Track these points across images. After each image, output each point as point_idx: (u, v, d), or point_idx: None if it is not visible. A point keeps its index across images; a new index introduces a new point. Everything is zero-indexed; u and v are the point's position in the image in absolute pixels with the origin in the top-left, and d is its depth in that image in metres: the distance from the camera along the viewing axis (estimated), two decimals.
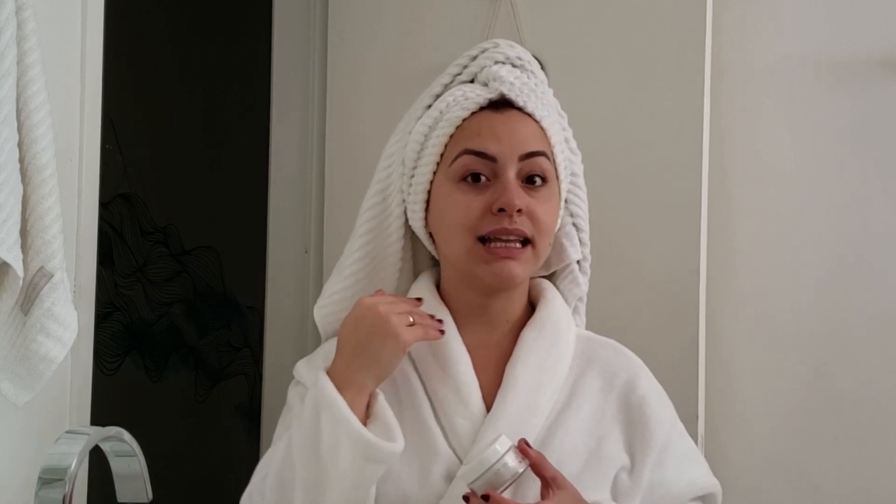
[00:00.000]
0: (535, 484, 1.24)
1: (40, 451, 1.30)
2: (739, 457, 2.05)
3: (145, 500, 1.31)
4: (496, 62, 1.37)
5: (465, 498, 1.21)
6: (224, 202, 3.45)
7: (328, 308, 1.45)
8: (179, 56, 3.39)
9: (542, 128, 1.34)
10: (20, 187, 1.36)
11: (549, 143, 1.35)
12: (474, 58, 1.39)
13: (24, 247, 1.38)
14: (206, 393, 3.53)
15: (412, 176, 1.37)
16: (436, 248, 1.40)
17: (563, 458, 1.29)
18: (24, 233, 1.38)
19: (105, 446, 1.28)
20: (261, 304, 2.59)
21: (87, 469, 1.65)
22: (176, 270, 3.45)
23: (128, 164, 3.21)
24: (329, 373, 1.27)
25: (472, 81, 1.38)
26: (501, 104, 1.34)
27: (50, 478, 1.20)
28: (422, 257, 1.46)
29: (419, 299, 1.36)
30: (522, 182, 1.32)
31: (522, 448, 1.24)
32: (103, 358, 3.12)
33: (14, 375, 1.41)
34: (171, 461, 2.82)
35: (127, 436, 1.27)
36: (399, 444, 1.24)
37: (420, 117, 1.38)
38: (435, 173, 1.35)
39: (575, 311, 1.47)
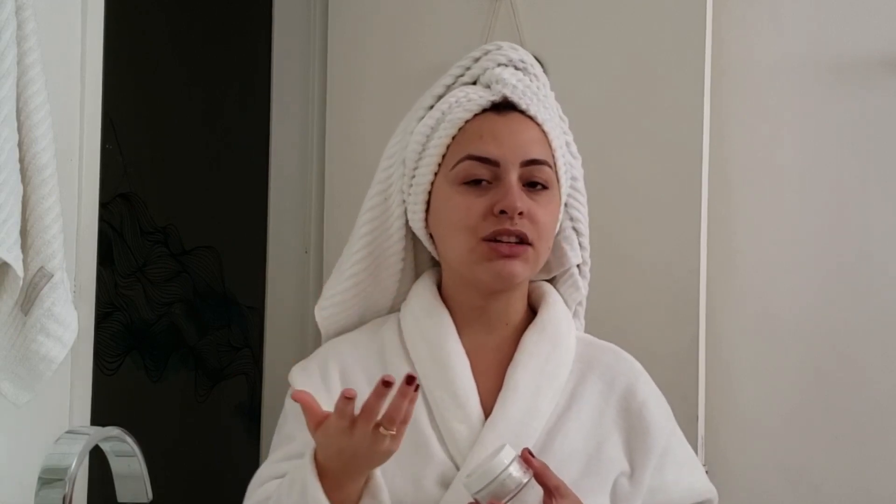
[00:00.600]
0: (535, 493, 1.24)
1: (40, 451, 1.30)
2: (739, 457, 2.05)
3: (145, 500, 1.31)
4: (499, 64, 1.37)
5: None
6: (224, 202, 3.45)
7: (329, 309, 1.44)
8: (179, 56, 3.39)
9: (543, 131, 1.34)
10: (20, 187, 1.36)
11: (550, 147, 1.35)
12: (477, 59, 1.39)
13: (24, 247, 1.38)
14: (206, 393, 3.52)
15: (413, 177, 1.37)
16: (436, 249, 1.40)
17: (563, 463, 1.28)
18: (24, 233, 1.37)
19: (105, 446, 1.28)
20: (261, 304, 2.59)
21: (87, 469, 1.65)
22: (176, 270, 3.44)
23: (128, 164, 3.21)
24: (319, 472, 1.18)
25: (474, 83, 1.38)
26: (503, 106, 1.34)
27: (50, 478, 1.20)
28: (423, 258, 1.45)
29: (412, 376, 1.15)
30: (523, 185, 1.32)
31: (526, 457, 1.24)
32: (103, 358, 3.11)
33: (14, 375, 1.40)
34: (171, 461, 2.82)
35: (127, 436, 1.27)
36: None
37: (422, 118, 1.37)
38: (436, 174, 1.35)
39: (574, 314, 1.47)
